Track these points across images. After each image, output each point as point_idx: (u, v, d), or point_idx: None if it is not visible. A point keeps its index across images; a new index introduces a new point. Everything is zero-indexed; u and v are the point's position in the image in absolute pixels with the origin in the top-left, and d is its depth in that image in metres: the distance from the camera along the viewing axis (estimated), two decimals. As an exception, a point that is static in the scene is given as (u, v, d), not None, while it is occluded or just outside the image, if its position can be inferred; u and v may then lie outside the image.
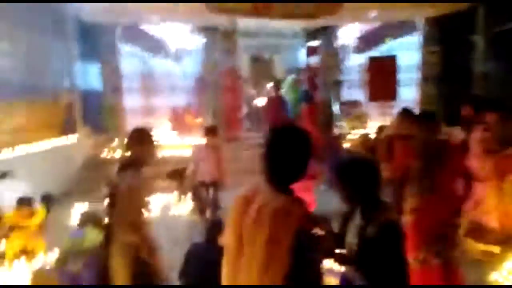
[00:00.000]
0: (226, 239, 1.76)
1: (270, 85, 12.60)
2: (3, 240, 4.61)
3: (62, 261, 3.38)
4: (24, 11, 7.03)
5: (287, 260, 1.48)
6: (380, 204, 2.04)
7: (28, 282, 3.45)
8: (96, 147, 8.90)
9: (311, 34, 9.29)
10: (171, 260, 4.45)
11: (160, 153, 8.75)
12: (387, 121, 10.02)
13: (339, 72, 9.49)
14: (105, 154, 8.75)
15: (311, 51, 9.46)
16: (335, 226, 2.20)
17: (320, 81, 8.96)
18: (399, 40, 10.22)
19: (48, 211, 5.01)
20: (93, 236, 3.48)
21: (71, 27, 8.64)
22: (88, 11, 7.95)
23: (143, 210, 2.74)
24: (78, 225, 3.57)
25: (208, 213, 5.51)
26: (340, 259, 2.08)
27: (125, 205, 2.58)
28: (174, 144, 9.07)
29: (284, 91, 11.58)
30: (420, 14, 9.02)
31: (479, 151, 4.26)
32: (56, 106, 8.00)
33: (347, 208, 2.20)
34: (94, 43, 9.05)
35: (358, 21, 9.47)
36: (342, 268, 2.17)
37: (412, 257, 2.92)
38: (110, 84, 9.09)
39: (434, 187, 3.04)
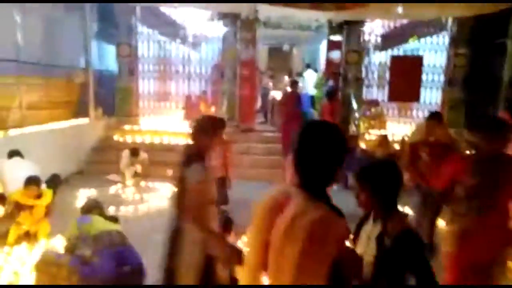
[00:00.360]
0: (249, 242, 1.56)
1: (287, 78, 12.37)
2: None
3: (71, 247, 3.22)
4: (42, -13, 6.88)
5: (322, 280, 1.28)
6: (397, 212, 1.85)
7: (33, 267, 3.30)
8: (108, 130, 8.76)
9: (335, 28, 8.97)
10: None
11: (171, 141, 8.66)
12: (405, 122, 9.80)
13: (360, 69, 9.16)
14: (117, 137, 8.61)
15: (333, 46, 9.14)
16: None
17: (340, 77, 8.67)
18: (424, 40, 9.87)
19: (54, 193, 4.89)
20: (101, 223, 3.32)
21: (89, 6, 8.47)
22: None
23: (211, 204, 2.54)
24: (82, 212, 3.41)
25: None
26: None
27: (195, 199, 2.37)
28: (185, 132, 8.88)
29: (305, 86, 11.39)
30: (449, 14, 8.66)
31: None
32: (70, 85, 7.88)
33: (362, 213, 2.03)
34: (111, 23, 8.89)
35: (385, 17, 9.15)
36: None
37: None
38: (125, 66, 8.93)
39: (488, 208, 2.62)
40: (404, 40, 10.12)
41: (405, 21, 9.71)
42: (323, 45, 13.41)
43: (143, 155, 7.55)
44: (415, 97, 9.06)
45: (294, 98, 7.91)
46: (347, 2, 7.12)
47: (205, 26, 10.27)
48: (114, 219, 3.50)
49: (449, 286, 2.76)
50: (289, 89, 8.28)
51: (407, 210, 4.94)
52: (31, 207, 4.55)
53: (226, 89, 8.98)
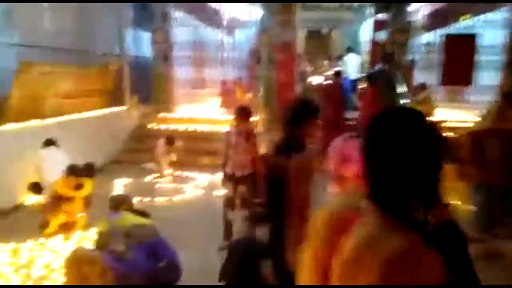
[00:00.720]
0: (304, 264, 1.20)
1: (326, 62, 11.80)
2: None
3: (104, 242, 3.03)
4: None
5: None
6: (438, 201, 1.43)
7: (64, 263, 3.14)
8: (143, 118, 8.65)
9: (380, 6, 8.32)
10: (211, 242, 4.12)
11: (207, 130, 8.43)
12: (457, 108, 9.01)
13: (408, 51, 8.47)
14: (152, 125, 8.48)
15: (379, 26, 8.50)
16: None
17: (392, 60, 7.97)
18: (478, 17, 8.97)
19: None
20: (131, 218, 3.10)
21: (124, -9, 8.31)
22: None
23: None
24: (111, 208, 3.19)
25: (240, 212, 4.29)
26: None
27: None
28: (222, 119, 8.62)
29: (346, 70, 10.79)
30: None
31: None
32: (105, 73, 7.77)
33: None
34: (146, 9, 8.70)
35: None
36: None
37: None
38: (160, 52, 8.74)
39: None
40: (455, 19, 9.28)
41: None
42: (364, 27, 12.73)
43: (179, 144, 7.36)
44: (468, 80, 8.29)
45: (337, 91, 7.38)
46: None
47: (241, 9, 9.90)
48: (144, 213, 3.27)
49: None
50: (330, 81, 7.79)
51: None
52: (71, 198, 4.45)
53: (262, 74, 8.59)
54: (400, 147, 1.01)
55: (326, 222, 1.11)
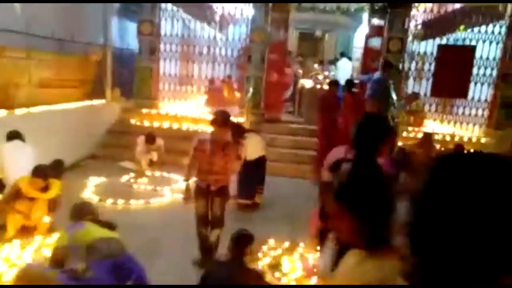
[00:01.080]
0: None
1: (316, 66, 11.54)
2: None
3: (60, 259, 2.66)
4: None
5: None
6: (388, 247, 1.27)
7: (14, 278, 2.76)
8: (125, 113, 8.23)
9: (377, 12, 8.07)
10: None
11: (190, 129, 8.06)
12: (447, 121, 8.85)
13: (402, 59, 8.24)
14: (134, 121, 8.07)
15: (374, 32, 8.26)
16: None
17: (391, 68, 7.74)
18: (474, 29, 8.79)
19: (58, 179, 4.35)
20: (95, 230, 2.73)
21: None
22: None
23: None
24: (74, 217, 2.83)
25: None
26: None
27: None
28: (206, 119, 8.26)
29: (338, 75, 10.54)
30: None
31: None
32: (86, 63, 7.33)
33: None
34: (134, -2, 8.28)
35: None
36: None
37: None
38: (146, 45, 8.33)
39: None
40: (450, 30, 9.11)
41: (457, 5, 8.69)
42: (358, 32, 12.51)
43: (160, 142, 6.99)
44: (463, 92, 8.11)
45: (333, 100, 7.10)
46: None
47: (234, 6, 9.55)
48: (110, 225, 2.90)
49: None
50: (319, 85, 7.53)
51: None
52: (32, 199, 4.04)
53: (252, 74, 8.27)
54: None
55: None
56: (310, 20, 12.31)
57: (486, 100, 8.30)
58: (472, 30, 8.56)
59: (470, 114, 8.49)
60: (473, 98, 8.36)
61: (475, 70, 8.24)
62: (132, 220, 4.75)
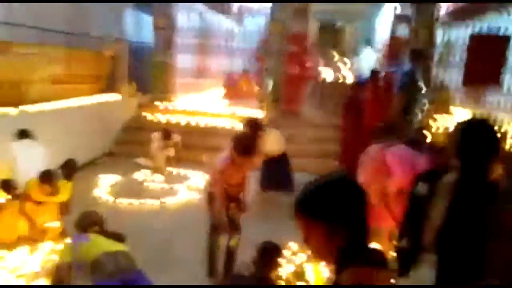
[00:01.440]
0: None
1: (337, 57, 11.09)
2: None
3: (63, 277, 2.42)
4: None
5: None
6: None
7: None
8: (141, 108, 8.04)
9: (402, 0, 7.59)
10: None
11: (208, 123, 7.82)
12: (478, 109, 8.28)
13: (430, 48, 7.75)
14: (150, 116, 7.87)
15: (400, 20, 7.79)
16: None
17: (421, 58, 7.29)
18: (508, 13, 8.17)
19: (69, 181, 4.14)
20: (102, 243, 2.48)
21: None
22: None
23: None
24: (78, 228, 2.59)
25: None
26: None
27: None
28: (225, 113, 8.00)
29: (361, 67, 10.07)
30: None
31: None
32: (101, 57, 7.15)
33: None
34: (149, -10, 8.04)
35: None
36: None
37: None
38: (162, 38, 8.09)
39: None
40: (479, 16, 8.51)
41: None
42: (380, 21, 11.97)
43: (176, 138, 6.75)
44: (496, 79, 7.54)
45: (356, 102, 6.60)
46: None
47: (252, -4, 9.24)
48: (118, 237, 2.65)
49: None
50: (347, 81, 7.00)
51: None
52: (41, 202, 3.84)
53: (271, 67, 7.93)
54: None
55: None
56: (330, 10, 11.83)
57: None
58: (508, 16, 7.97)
59: (505, 106, 7.92)
60: (509, 89, 7.79)
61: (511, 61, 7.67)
62: (147, 222, 4.54)
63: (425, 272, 1.99)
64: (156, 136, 6.64)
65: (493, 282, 1.67)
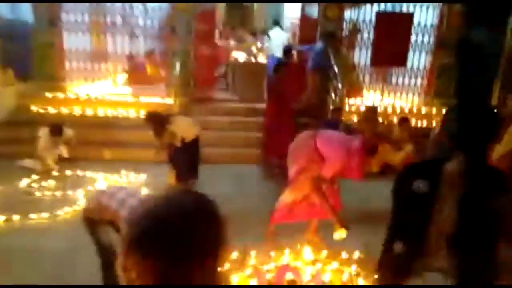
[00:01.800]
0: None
1: (251, 38, 10.65)
2: None
3: None
4: None
5: None
6: None
7: None
8: (23, 98, 6.74)
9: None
10: None
11: (109, 114, 6.87)
12: (386, 91, 8.52)
13: (341, 27, 7.66)
14: (36, 108, 6.65)
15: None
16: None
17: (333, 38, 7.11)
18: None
19: None
20: None
21: None
22: None
23: None
24: None
25: None
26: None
27: None
28: (127, 101, 7.10)
29: (271, 47, 9.75)
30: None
31: None
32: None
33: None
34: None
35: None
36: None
37: None
38: (44, 14, 6.82)
39: None
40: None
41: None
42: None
43: (69, 133, 5.75)
44: (403, 61, 7.79)
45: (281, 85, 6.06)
46: None
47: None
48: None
49: None
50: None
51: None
52: None
53: (179, 48, 7.17)
54: None
55: None
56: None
57: (424, 69, 8.09)
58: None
59: (409, 84, 8.24)
60: (412, 67, 8.09)
61: (413, 38, 7.94)
62: (31, 243, 3.65)
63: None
64: (43, 132, 5.57)
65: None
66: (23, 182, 5.07)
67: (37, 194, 4.79)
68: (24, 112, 6.56)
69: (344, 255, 3.59)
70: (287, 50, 7.33)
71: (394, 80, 8.48)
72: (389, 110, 7.70)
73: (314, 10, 7.92)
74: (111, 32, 7.94)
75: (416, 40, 7.92)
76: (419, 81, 8.16)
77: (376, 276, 2.91)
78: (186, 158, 4.86)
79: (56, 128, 5.55)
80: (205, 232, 0.88)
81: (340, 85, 7.02)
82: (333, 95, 7.38)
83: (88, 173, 5.50)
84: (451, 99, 7.75)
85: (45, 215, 4.22)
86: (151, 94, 7.23)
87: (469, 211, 1.63)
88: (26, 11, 7.01)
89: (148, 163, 5.53)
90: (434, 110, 7.67)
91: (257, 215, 4.05)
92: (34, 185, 5.05)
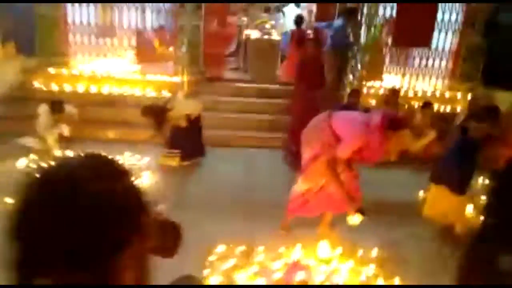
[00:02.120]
0: None
1: (264, 14, 10.14)
2: None
3: None
4: None
5: None
6: None
7: None
8: (25, 74, 6.47)
9: None
10: None
11: (114, 92, 6.57)
12: (408, 73, 7.99)
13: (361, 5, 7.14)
14: (38, 84, 6.37)
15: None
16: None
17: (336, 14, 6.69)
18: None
19: None
20: None
21: None
22: None
23: None
24: None
25: None
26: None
27: None
28: (134, 78, 6.78)
29: (285, 24, 9.27)
30: None
31: None
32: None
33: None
34: None
35: None
36: None
37: None
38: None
39: None
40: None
41: None
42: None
43: (71, 111, 5.46)
44: (426, 41, 7.25)
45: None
46: None
47: None
48: None
49: None
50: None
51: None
52: None
53: (187, 23, 6.76)
54: None
55: None
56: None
57: (450, 50, 7.54)
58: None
59: (433, 66, 7.71)
60: (436, 48, 7.56)
61: (439, 16, 7.37)
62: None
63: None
64: (44, 109, 5.29)
65: None
66: (22, 162, 4.82)
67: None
68: (27, 88, 6.29)
69: (360, 252, 3.26)
70: (299, 19, 6.92)
71: (416, 62, 7.96)
72: (410, 94, 7.23)
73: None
74: (118, 6, 7.55)
75: (442, 19, 7.36)
76: (443, 63, 7.63)
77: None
78: (189, 136, 4.89)
79: (57, 105, 5.26)
80: (101, 197, 0.66)
81: (359, 66, 6.56)
82: (350, 77, 6.94)
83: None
84: (477, 83, 7.28)
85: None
86: (159, 72, 6.88)
87: None
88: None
89: (152, 144, 5.25)
90: (459, 95, 7.18)
91: (268, 203, 3.74)
92: (32, 165, 4.80)
